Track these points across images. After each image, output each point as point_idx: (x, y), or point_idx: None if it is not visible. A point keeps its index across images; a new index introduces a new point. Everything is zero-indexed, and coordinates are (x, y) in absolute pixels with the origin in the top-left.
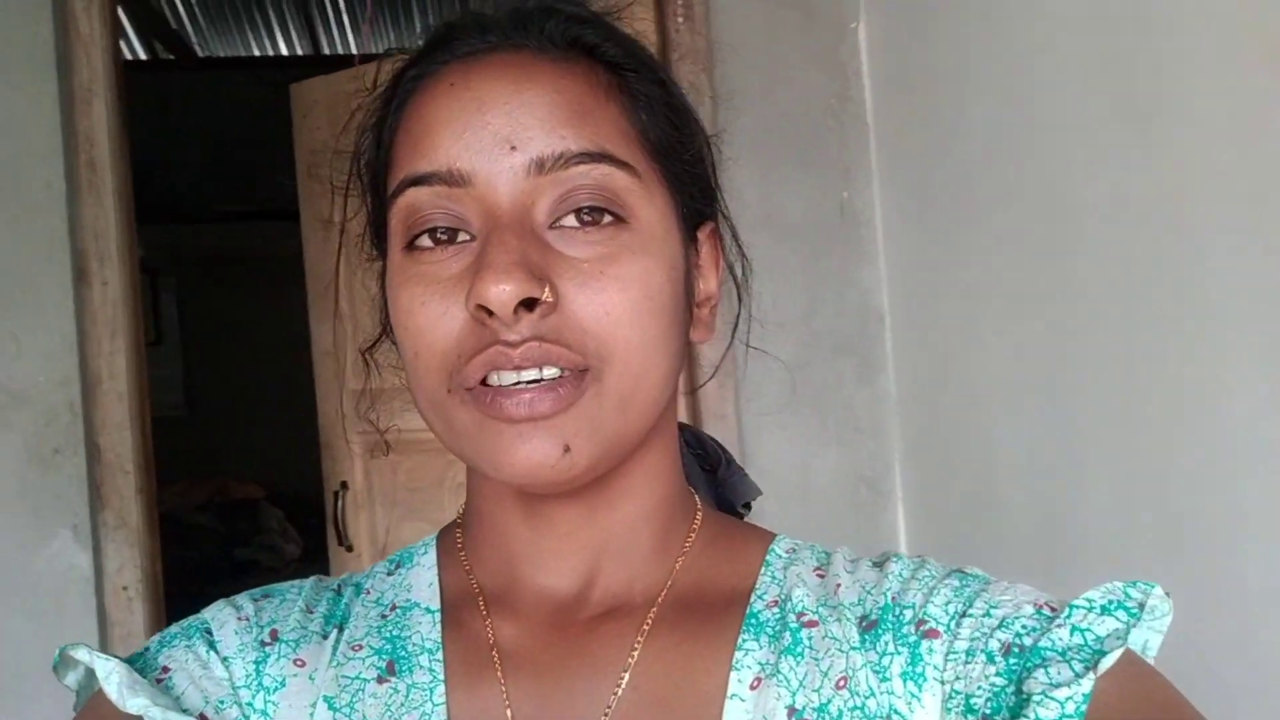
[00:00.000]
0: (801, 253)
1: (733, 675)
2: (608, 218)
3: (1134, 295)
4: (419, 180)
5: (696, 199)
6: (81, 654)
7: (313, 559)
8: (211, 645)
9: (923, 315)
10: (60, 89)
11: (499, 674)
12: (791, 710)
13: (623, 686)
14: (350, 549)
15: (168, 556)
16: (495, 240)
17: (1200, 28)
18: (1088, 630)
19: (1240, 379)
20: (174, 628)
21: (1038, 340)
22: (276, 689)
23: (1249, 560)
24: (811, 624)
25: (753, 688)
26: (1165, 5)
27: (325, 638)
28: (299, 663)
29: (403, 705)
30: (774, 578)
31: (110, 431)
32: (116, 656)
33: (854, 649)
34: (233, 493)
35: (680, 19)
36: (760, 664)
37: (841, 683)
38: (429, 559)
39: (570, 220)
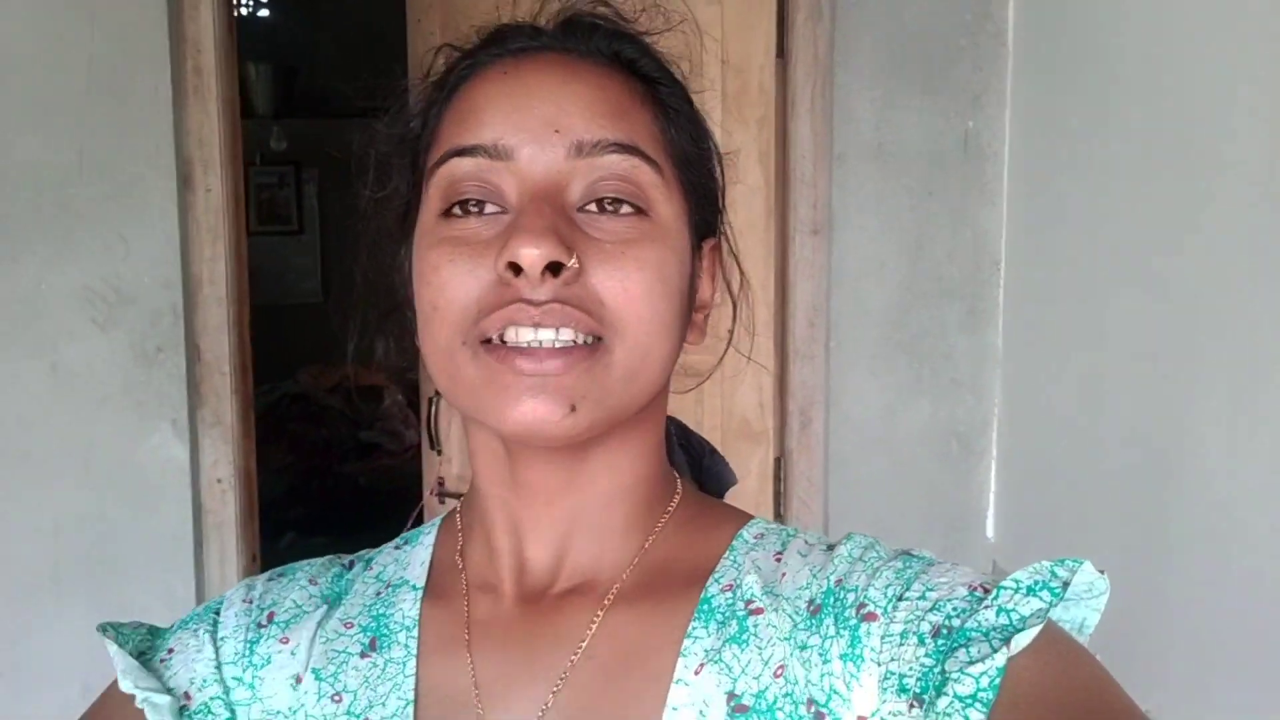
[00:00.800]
0: (913, 188)
1: (680, 661)
2: (630, 208)
3: (1263, 274)
4: (463, 151)
5: (706, 211)
6: (109, 633)
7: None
8: (214, 627)
9: (1042, 265)
10: None
11: (468, 648)
12: (730, 696)
13: (578, 658)
14: (440, 453)
15: (298, 435)
16: (531, 208)
17: None
18: (1013, 610)
19: None
20: (195, 610)
21: (1158, 307)
22: (263, 665)
23: None
24: (758, 611)
25: (696, 673)
26: None
27: (314, 614)
28: (284, 640)
29: (379, 678)
30: (734, 562)
31: (210, 334)
32: (133, 633)
33: (792, 637)
34: (360, 379)
35: None
36: (705, 650)
37: (779, 671)
38: (429, 539)
39: (595, 206)
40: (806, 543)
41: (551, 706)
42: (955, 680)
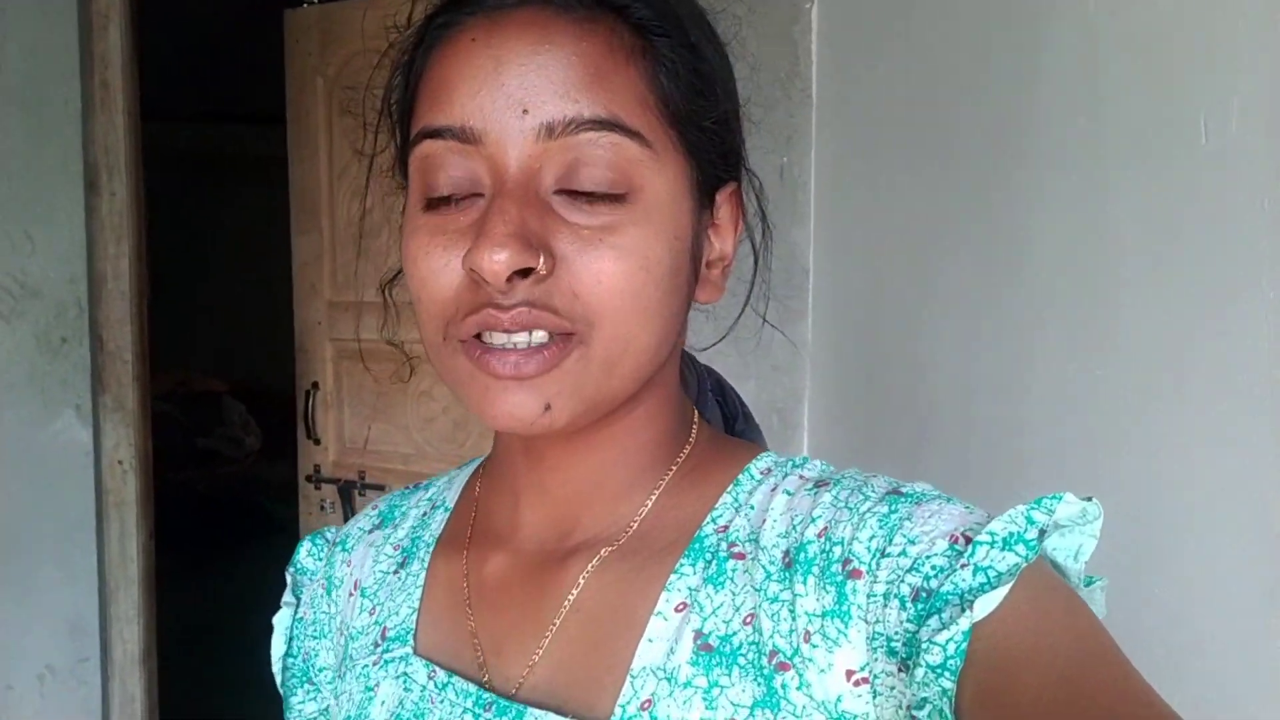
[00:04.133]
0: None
1: (663, 595)
2: (607, 185)
3: (992, 281)
4: (434, 133)
5: (716, 164)
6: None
7: (273, 452)
8: (339, 547)
9: (842, 274)
10: (80, 14)
11: (466, 586)
12: (698, 634)
13: (564, 611)
14: (318, 442)
15: None
16: (496, 207)
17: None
18: (989, 568)
19: (1150, 328)
20: (325, 531)
21: (932, 304)
22: (341, 584)
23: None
24: (739, 556)
25: (677, 610)
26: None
27: (370, 535)
28: (347, 563)
29: (399, 593)
30: (734, 500)
31: (112, 325)
32: (316, 551)
33: (764, 588)
34: (195, 385)
35: None
36: (689, 589)
37: (749, 619)
38: (471, 469)
39: (573, 186)
40: (802, 477)
41: (543, 654)
42: (925, 650)
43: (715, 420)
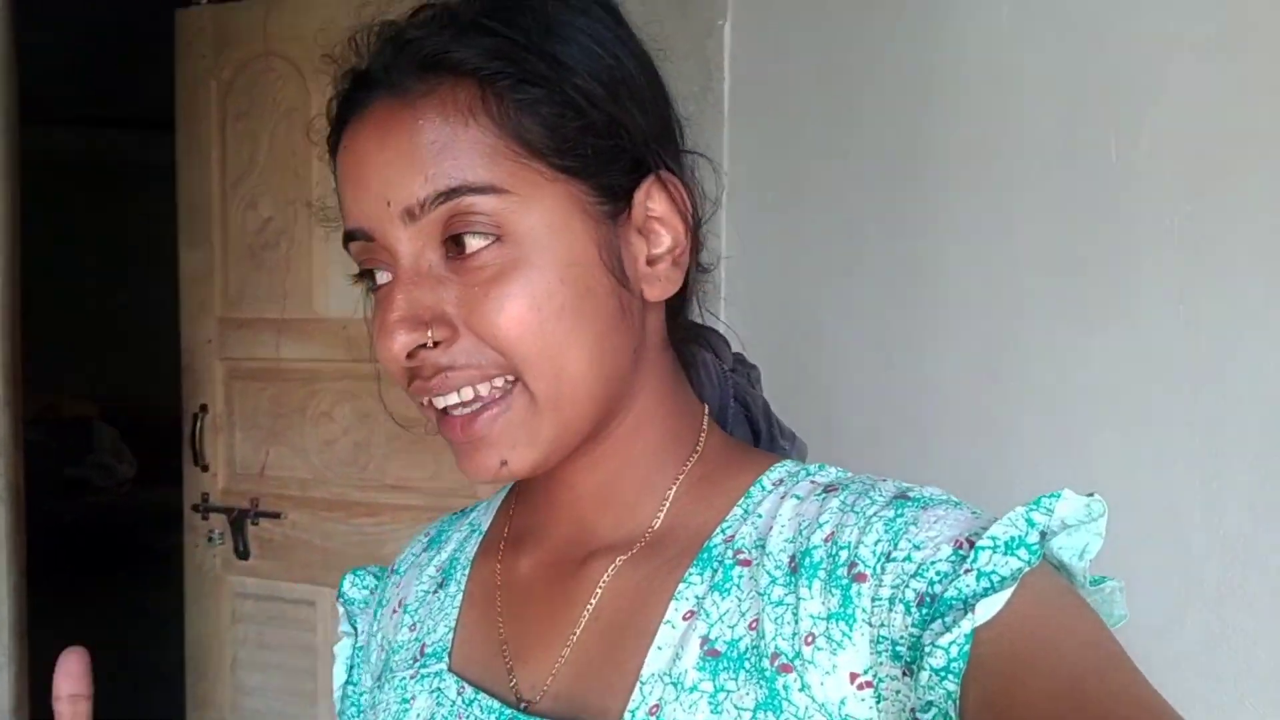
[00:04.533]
0: None
1: (672, 605)
2: (480, 240)
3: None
4: (349, 236)
5: (615, 170)
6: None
7: (150, 479)
8: (394, 571)
9: (752, 262)
10: None
11: (498, 604)
12: (704, 640)
13: (584, 620)
14: (205, 468)
15: None
16: (384, 300)
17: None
18: (992, 573)
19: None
20: (367, 568)
21: (848, 315)
22: (387, 604)
23: None
24: (745, 562)
25: (685, 618)
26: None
27: (420, 556)
28: (398, 585)
29: (438, 612)
30: (745, 511)
31: None
32: (359, 581)
33: (768, 592)
34: (65, 410)
35: None
36: (696, 597)
37: (753, 624)
38: (508, 489)
39: (453, 251)
40: (813, 482)
41: (564, 664)
42: (929, 654)
43: (742, 432)
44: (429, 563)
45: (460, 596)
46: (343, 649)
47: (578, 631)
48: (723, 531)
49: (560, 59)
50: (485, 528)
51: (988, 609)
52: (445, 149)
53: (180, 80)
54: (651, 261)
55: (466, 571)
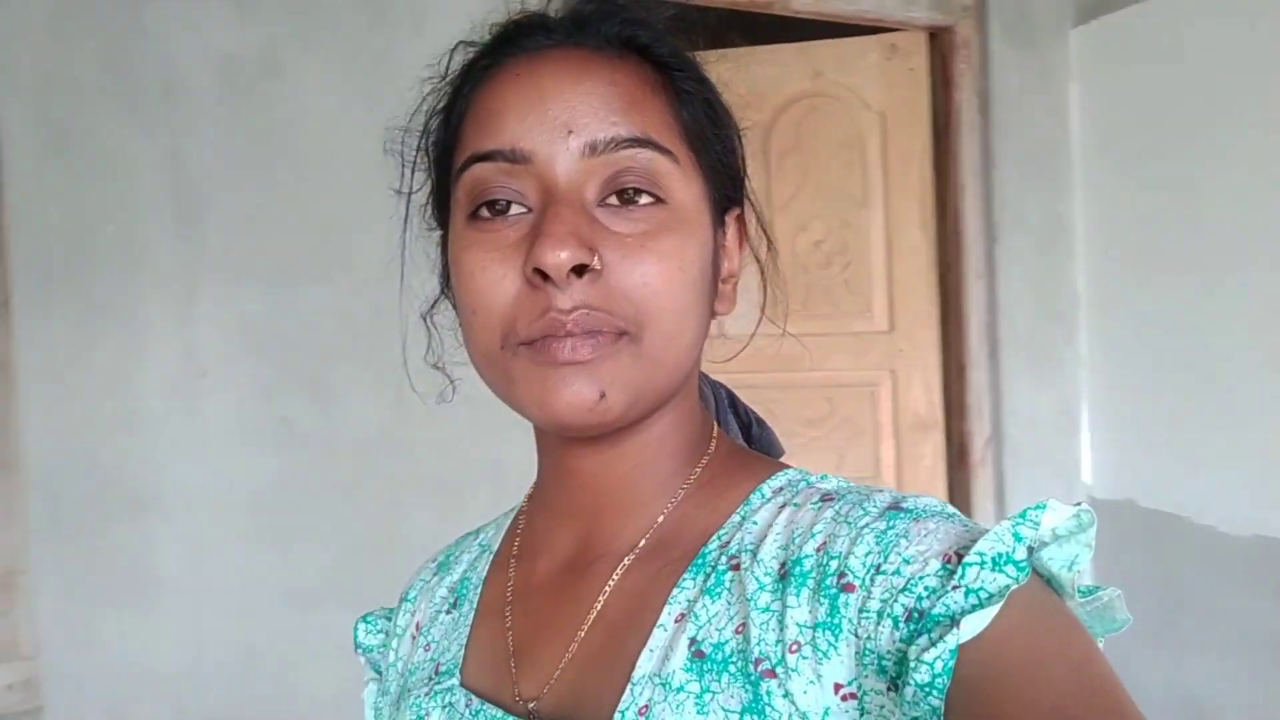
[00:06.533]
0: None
1: (666, 608)
2: (648, 198)
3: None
4: (485, 157)
5: (726, 186)
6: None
7: None
8: (404, 600)
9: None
10: None
11: (508, 611)
12: (692, 641)
13: (590, 619)
14: None
15: None
16: (551, 213)
17: None
18: (980, 590)
19: None
20: (374, 611)
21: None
22: (404, 631)
23: None
24: (736, 567)
25: (676, 621)
26: None
27: (431, 581)
28: (411, 612)
29: (452, 631)
30: (743, 517)
31: None
32: (372, 627)
33: (755, 598)
34: None
35: None
36: (688, 600)
37: (740, 629)
38: (515, 511)
39: (615, 199)
40: (813, 490)
41: (568, 663)
42: (914, 669)
43: (734, 432)
44: (440, 585)
45: (473, 615)
46: (369, 695)
47: (584, 631)
48: (719, 537)
49: (706, 79)
50: (496, 546)
51: (973, 626)
52: (638, 105)
53: None
54: (723, 279)
55: (479, 590)
